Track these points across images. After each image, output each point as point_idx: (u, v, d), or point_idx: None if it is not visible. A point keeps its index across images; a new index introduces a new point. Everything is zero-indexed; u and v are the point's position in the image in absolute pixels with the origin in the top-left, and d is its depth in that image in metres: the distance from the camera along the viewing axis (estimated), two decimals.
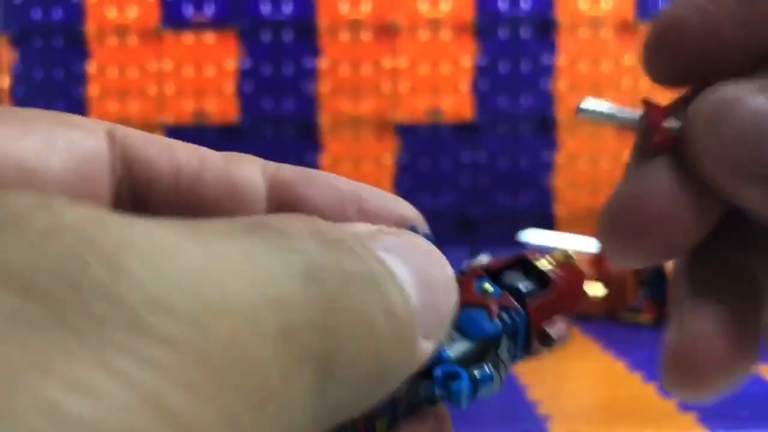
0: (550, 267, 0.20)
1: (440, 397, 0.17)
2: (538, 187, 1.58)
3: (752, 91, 0.18)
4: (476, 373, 0.17)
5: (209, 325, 0.10)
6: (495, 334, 0.18)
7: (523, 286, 0.19)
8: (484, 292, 0.19)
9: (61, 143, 0.16)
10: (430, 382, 0.16)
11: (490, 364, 0.18)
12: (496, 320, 0.18)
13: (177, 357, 0.09)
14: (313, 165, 1.63)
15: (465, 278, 0.19)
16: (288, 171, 0.18)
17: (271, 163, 0.18)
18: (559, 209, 1.60)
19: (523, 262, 0.20)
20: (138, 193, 0.17)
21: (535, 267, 0.20)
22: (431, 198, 1.62)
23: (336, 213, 0.17)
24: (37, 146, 0.15)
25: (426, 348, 0.14)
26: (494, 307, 0.18)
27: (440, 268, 0.15)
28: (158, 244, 0.10)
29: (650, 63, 0.21)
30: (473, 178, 1.60)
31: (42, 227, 0.09)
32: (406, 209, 0.18)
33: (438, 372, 0.16)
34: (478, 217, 1.61)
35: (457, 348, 0.17)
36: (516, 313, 0.18)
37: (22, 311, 0.09)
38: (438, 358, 0.16)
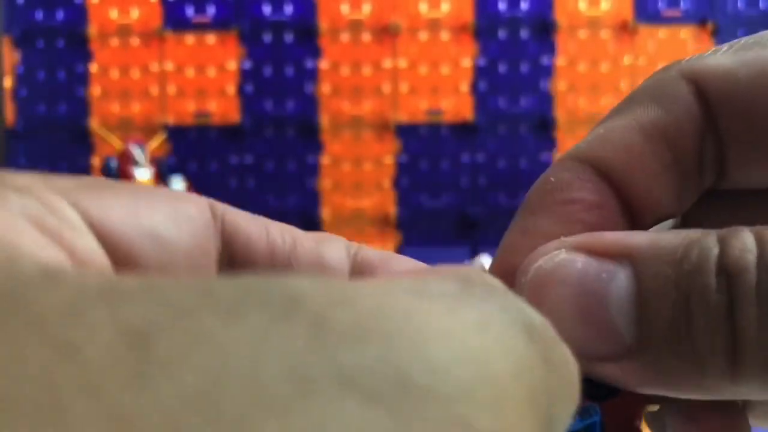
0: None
1: None
2: None
3: (577, 249, 0.17)
4: None
5: (499, 406, 0.11)
6: (587, 424, 0.18)
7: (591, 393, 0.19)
8: None
9: (182, 216, 0.16)
10: None
11: None
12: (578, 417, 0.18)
13: None
14: (314, 165, 1.64)
15: None
16: (369, 252, 0.19)
17: (353, 243, 0.19)
18: None
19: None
20: (235, 269, 0.18)
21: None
22: (431, 198, 1.63)
23: None
24: (166, 219, 0.16)
25: None
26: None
27: None
28: (433, 324, 0.11)
29: None
30: (473, 178, 1.60)
31: (346, 323, 0.10)
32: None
33: None
34: (477, 217, 1.62)
35: None
36: (593, 409, 0.19)
37: (371, 421, 0.09)
38: None
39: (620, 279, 0.16)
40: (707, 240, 0.16)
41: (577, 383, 0.13)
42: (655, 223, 0.20)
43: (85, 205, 0.14)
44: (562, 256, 0.17)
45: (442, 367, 0.10)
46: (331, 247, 0.18)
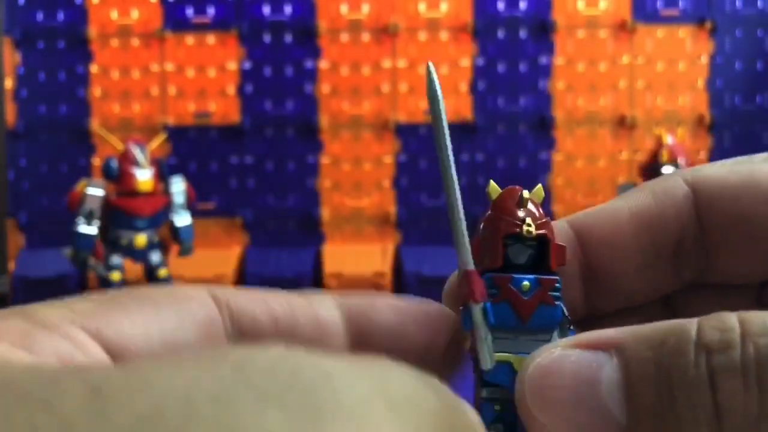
0: (533, 228, 0.23)
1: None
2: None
3: (571, 346, 0.19)
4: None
5: None
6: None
7: (531, 262, 0.22)
8: (523, 290, 0.22)
9: (187, 316, 0.19)
10: None
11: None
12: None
13: None
14: (314, 165, 1.65)
15: (501, 277, 0.22)
16: (354, 299, 0.21)
17: (338, 295, 0.21)
18: (557, 208, 1.61)
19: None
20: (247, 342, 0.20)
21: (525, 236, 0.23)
22: (431, 197, 1.63)
23: (398, 327, 0.21)
24: (174, 324, 0.18)
25: None
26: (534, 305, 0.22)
27: None
28: None
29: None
30: (472, 177, 1.61)
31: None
32: (447, 313, 0.22)
33: None
34: (477, 216, 1.61)
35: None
36: (558, 302, 0.22)
37: None
38: None
39: (609, 366, 0.18)
40: (684, 324, 0.18)
41: None
42: (617, 297, 0.23)
43: (105, 335, 0.17)
44: (558, 353, 0.19)
45: None
46: (323, 306, 0.21)
